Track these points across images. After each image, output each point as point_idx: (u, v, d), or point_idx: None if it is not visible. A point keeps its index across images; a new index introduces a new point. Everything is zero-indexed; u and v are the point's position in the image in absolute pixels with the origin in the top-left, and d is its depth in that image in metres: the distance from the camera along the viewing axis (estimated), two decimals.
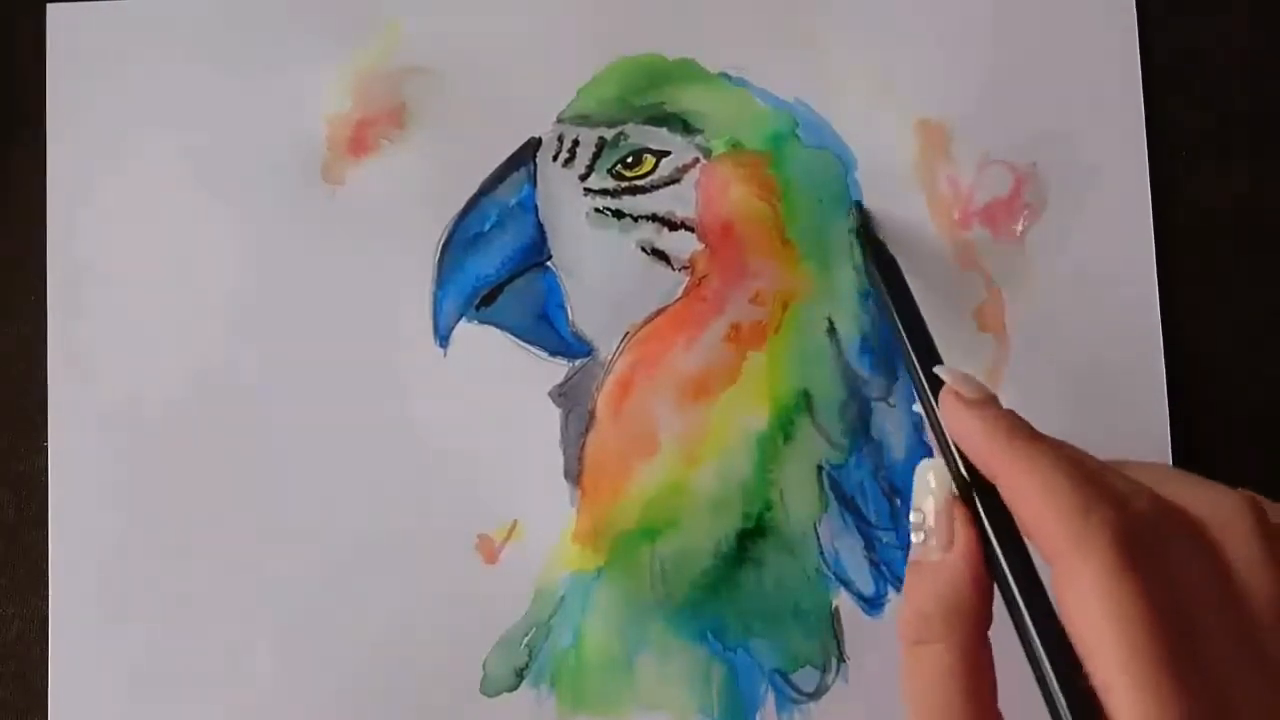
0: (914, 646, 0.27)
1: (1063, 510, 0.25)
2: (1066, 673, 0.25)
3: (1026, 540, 0.27)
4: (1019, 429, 0.28)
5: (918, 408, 0.33)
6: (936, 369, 0.31)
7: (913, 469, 0.39)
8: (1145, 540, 0.25)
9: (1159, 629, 0.23)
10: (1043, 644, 0.25)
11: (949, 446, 0.30)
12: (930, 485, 0.29)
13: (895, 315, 0.35)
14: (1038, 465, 0.26)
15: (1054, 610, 0.26)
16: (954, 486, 0.29)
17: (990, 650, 0.27)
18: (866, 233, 0.39)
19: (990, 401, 0.29)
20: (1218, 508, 0.26)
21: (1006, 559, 0.27)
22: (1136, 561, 0.24)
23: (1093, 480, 0.26)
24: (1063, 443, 0.27)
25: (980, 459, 0.28)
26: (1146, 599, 0.24)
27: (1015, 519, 0.27)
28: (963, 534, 0.28)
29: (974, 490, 0.28)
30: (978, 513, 0.28)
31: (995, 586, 0.27)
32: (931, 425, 0.31)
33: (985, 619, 0.27)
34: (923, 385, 0.32)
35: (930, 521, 0.28)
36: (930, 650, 0.27)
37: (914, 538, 0.29)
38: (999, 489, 0.27)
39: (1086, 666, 0.24)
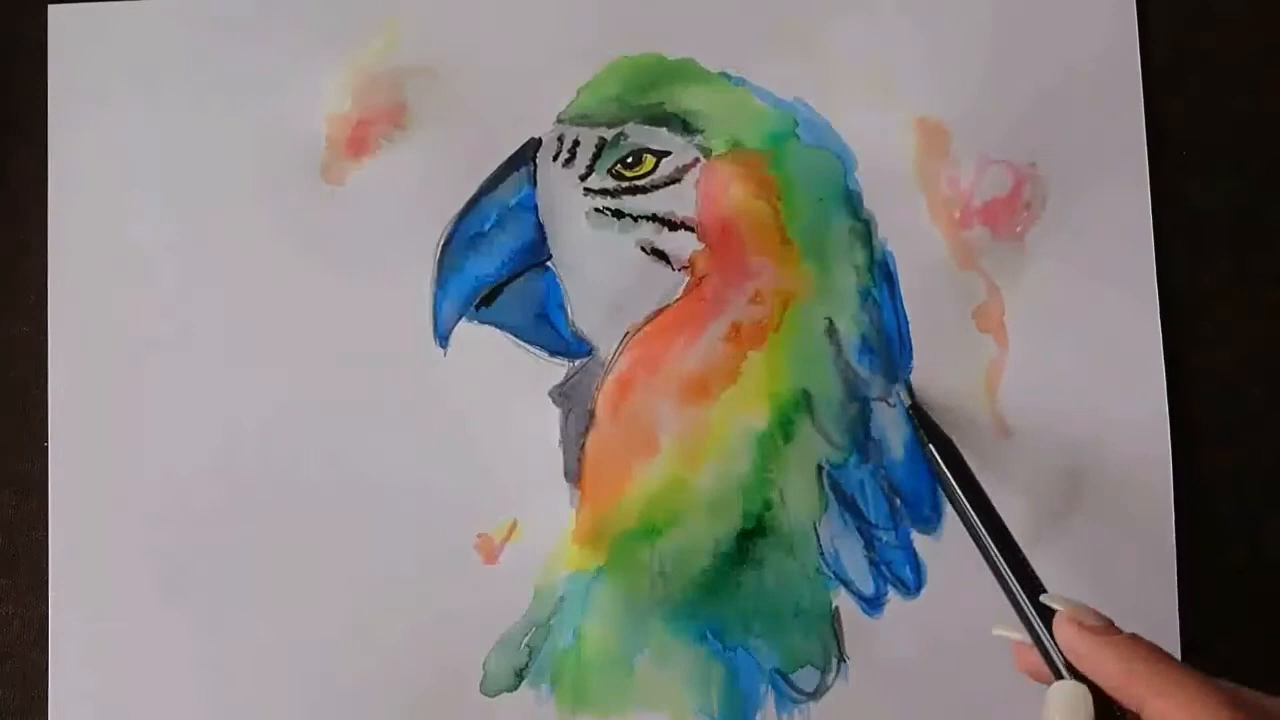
0: None
1: None
2: None
3: None
4: (1158, 654, 0.28)
5: (1001, 632, 0.33)
6: (1045, 599, 0.32)
7: (912, 469, 0.39)
8: None
9: None
10: None
11: (1061, 665, 0.30)
12: (1068, 713, 0.29)
13: (987, 539, 0.35)
14: (1191, 694, 0.27)
15: None
16: (1092, 714, 0.29)
17: None
18: (925, 427, 0.38)
19: (1113, 628, 0.30)
20: None
21: None
22: None
23: (1242, 702, 0.26)
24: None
25: (1122, 687, 0.28)
26: None
27: None
28: None
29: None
30: None
31: None
32: (1044, 653, 0.31)
33: None
34: (1030, 613, 0.32)
35: None
36: None
37: None
38: (1145, 714, 0.28)
39: None
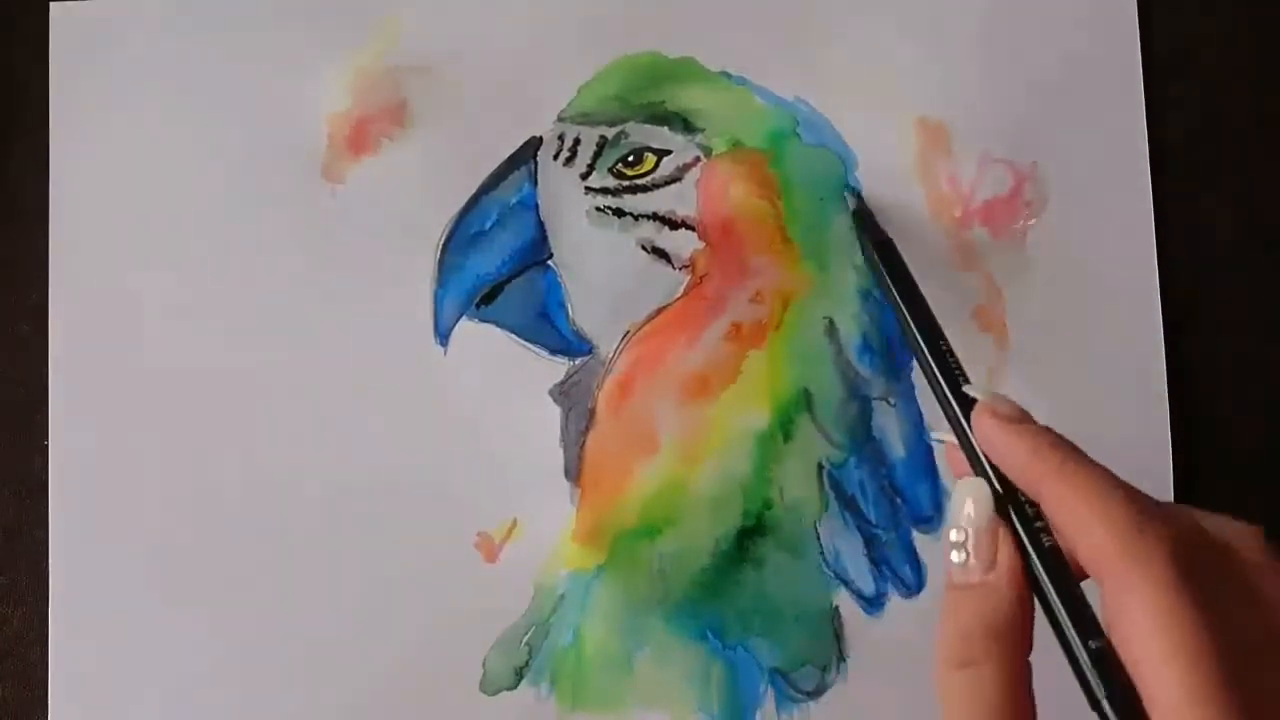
0: (956, 670, 0.27)
1: (1117, 526, 0.25)
2: (1120, 693, 0.24)
3: (1069, 558, 0.27)
4: (1065, 446, 0.27)
5: (939, 437, 0.33)
6: (967, 389, 0.31)
7: (912, 468, 0.39)
8: (1192, 559, 0.25)
9: (1215, 645, 0.23)
10: (1093, 663, 0.25)
11: (985, 465, 0.29)
12: (970, 505, 0.28)
13: (915, 333, 0.34)
14: (1090, 482, 0.26)
15: (1101, 628, 0.25)
16: (995, 505, 0.28)
17: (1030, 674, 0.27)
18: (867, 226, 0.39)
19: (1027, 418, 0.29)
20: (1234, 534, 0.26)
21: (1051, 577, 0.27)
22: (1189, 578, 0.24)
23: (1141, 499, 0.26)
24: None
25: (1026, 477, 0.28)
26: (1203, 615, 0.24)
27: (1061, 536, 0.27)
28: (1005, 554, 0.28)
29: (1016, 508, 0.28)
30: (1020, 531, 0.28)
31: (1037, 607, 0.27)
32: (963, 445, 0.30)
33: (1028, 641, 0.27)
34: (951, 405, 0.31)
35: (971, 542, 0.28)
36: (973, 673, 0.27)
37: (954, 557, 0.28)
38: (1045, 507, 0.27)
39: (1139, 683, 0.24)
